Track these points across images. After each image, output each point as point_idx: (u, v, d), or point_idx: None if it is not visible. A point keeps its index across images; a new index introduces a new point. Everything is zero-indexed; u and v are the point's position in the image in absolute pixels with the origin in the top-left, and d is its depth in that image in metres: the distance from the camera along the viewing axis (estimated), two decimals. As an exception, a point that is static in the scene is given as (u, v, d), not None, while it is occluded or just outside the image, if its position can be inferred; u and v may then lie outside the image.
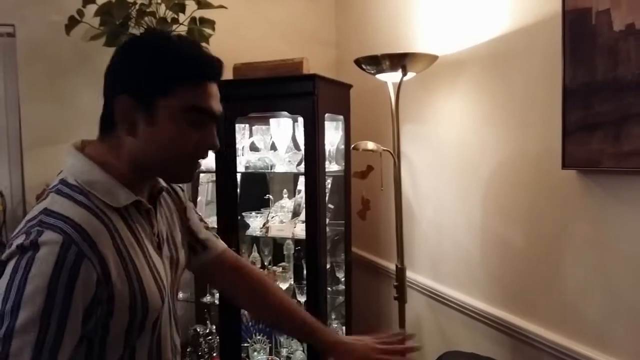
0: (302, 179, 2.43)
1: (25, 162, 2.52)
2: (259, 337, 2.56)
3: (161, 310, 0.99)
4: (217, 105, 0.98)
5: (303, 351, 2.45)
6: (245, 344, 2.51)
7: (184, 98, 0.93)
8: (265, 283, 1.29)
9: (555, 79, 1.44)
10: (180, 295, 2.67)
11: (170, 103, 0.93)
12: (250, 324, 2.60)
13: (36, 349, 0.78)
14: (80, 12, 2.26)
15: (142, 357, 0.98)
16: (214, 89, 0.97)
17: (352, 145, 1.95)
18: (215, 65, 0.98)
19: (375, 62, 1.89)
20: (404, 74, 1.85)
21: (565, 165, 1.42)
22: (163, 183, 1.10)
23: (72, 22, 2.26)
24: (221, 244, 1.29)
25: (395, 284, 2.02)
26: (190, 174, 1.03)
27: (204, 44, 1.01)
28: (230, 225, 2.36)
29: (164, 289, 1.00)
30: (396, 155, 1.95)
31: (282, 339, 2.53)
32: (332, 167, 2.41)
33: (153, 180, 1.05)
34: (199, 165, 1.01)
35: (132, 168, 0.96)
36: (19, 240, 0.83)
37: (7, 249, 0.85)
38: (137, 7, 2.24)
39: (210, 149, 0.99)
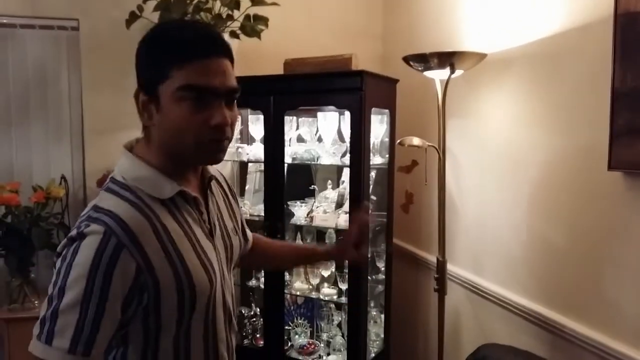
0: (346, 171, 2.50)
1: (87, 148, 2.67)
2: (300, 321, 2.67)
3: (212, 293, 1.05)
4: (217, 81, 0.97)
5: (343, 336, 2.54)
6: (287, 327, 2.62)
7: (179, 79, 0.95)
8: (278, 247, 1.54)
9: (604, 81, 1.47)
10: (227, 278, 2.80)
11: (169, 87, 0.96)
12: (292, 308, 2.71)
13: (77, 328, 0.88)
14: (140, 8, 2.38)
15: (197, 337, 1.05)
16: (212, 65, 0.97)
17: (398, 141, 2.01)
18: (203, 42, 0.98)
19: (424, 60, 1.94)
20: (452, 72, 1.90)
21: (611, 166, 1.44)
22: (212, 171, 1.17)
23: (132, 17, 2.38)
24: (250, 232, 1.40)
25: (436, 276, 2.07)
26: (212, 156, 1.03)
27: (205, 22, 1.04)
28: (277, 213, 2.46)
29: (213, 272, 1.05)
30: (441, 151, 2.00)
31: (322, 324, 2.62)
32: (376, 159, 2.47)
33: (196, 168, 1.10)
34: (220, 145, 1.01)
35: (164, 157, 1.02)
36: (71, 233, 0.94)
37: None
38: (194, 3, 2.34)
39: (217, 127, 0.98)
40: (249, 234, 1.39)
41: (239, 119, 2.64)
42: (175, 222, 1.01)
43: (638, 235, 1.43)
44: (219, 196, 1.21)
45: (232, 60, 1.03)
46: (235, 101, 1.05)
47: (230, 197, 1.28)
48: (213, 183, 1.18)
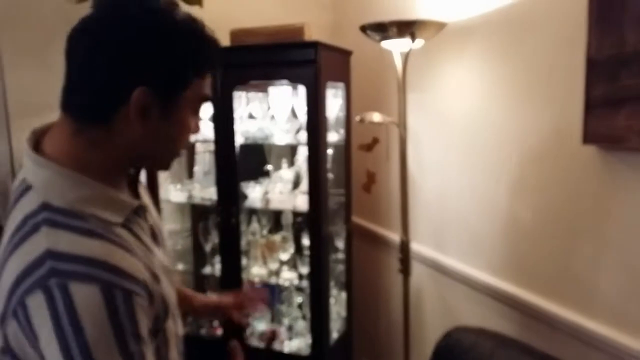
0: (300, 148, 2.37)
1: (13, 132, 2.40)
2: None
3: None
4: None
5: (304, 318, 2.45)
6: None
7: (196, 90, 0.89)
8: None
9: (577, 48, 1.38)
10: (180, 266, 2.64)
11: (186, 96, 0.87)
12: (249, 293, 2.59)
13: None
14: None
15: (172, 343, 0.95)
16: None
17: (358, 118, 1.88)
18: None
19: (382, 29, 1.80)
20: (413, 42, 1.77)
21: (586, 140, 1.37)
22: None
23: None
24: None
25: (400, 256, 1.99)
26: (173, 162, 0.98)
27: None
28: (230, 196, 2.31)
29: (171, 281, 0.97)
30: (402, 127, 1.89)
31: (283, 309, 2.52)
32: (332, 136, 2.34)
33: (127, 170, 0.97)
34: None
35: (114, 162, 0.86)
36: (30, 284, 0.72)
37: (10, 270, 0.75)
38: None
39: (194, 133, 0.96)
40: None
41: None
42: (138, 241, 0.86)
43: (613, 212, 1.38)
44: (146, 197, 1.06)
45: None
46: None
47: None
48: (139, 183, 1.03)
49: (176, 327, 0.98)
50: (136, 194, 0.96)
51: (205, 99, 0.92)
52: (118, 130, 0.83)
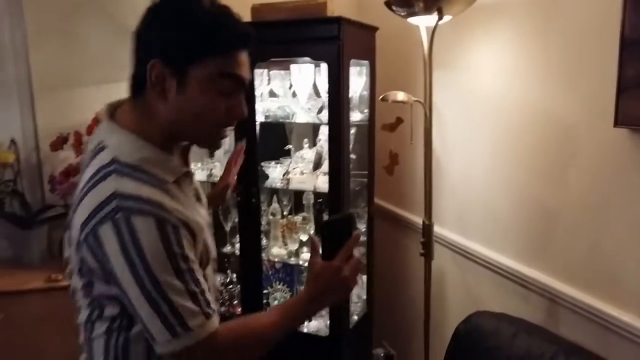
0: (322, 128, 2.33)
1: (37, 108, 2.42)
2: (279, 286, 2.55)
3: None
4: (246, 73, 1.00)
5: (323, 301, 2.43)
6: (265, 291, 2.50)
7: (215, 66, 0.96)
8: None
9: (611, 27, 1.31)
10: (200, 244, 2.65)
11: (201, 71, 0.95)
12: (270, 272, 2.59)
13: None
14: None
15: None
16: (243, 57, 0.99)
17: (381, 96, 1.83)
18: (246, 35, 0.99)
19: (408, 4, 1.74)
20: (440, 18, 1.71)
21: (618, 123, 1.31)
22: None
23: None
24: None
25: (422, 240, 1.96)
26: (218, 141, 1.07)
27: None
28: (250, 176, 2.29)
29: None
30: (428, 106, 1.83)
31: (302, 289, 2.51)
32: (355, 115, 2.30)
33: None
34: (226, 132, 1.05)
35: (165, 133, 1.00)
36: (101, 217, 0.89)
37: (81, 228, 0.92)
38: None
39: (238, 117, 1.02)
40: None
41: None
42: (185, 197, 1.02)
43: (645, 197, 1.32)
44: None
45: None
46: None
47: None
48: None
49: (214, 278, 1.13)
50: (186, 161, 1.10)
51: (231, 77, 0.97)
52: (153, 103, 0.97)
